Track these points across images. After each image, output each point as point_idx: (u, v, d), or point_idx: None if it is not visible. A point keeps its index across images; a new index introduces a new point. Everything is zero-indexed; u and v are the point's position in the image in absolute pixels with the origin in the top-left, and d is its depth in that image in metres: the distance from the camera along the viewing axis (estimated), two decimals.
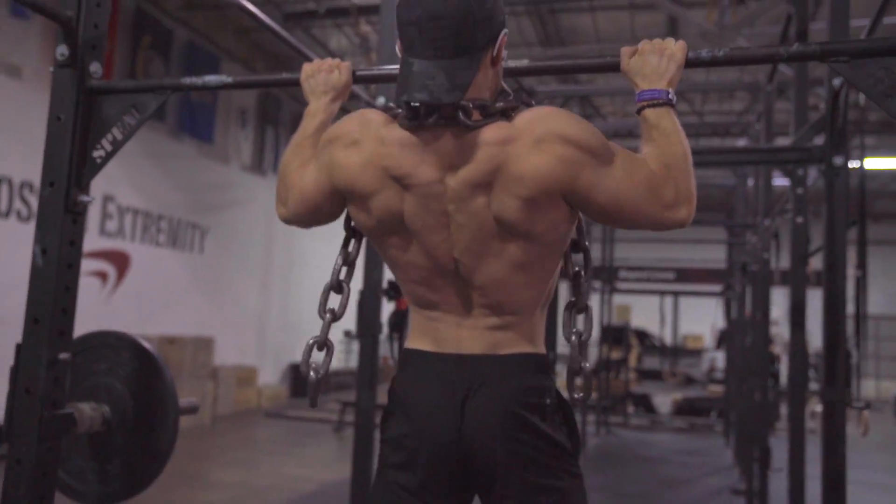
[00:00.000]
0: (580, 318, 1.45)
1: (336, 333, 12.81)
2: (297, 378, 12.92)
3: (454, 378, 1.35)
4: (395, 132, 1.30)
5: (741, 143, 11.24)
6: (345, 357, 15.06)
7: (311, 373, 1.51)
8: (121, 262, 9.01)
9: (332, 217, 1.45)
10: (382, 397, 5.44)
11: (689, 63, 1.28)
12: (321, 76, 1.50)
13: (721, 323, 12.08)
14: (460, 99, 1.22)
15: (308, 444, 8.73)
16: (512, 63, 1.36)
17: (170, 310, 9.69)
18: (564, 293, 1.65)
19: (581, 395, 1.41)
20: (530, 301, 1.37)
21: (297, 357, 13.11)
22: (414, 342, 1.42)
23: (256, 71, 11.53)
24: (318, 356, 1.52)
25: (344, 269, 1.53)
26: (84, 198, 1.57)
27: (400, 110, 1.30)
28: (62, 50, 1.55)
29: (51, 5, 1.52)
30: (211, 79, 1.56)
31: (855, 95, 2.63)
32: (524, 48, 10.05)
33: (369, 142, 1.32)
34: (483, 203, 1.27)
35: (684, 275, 16.17)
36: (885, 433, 11.68)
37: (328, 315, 1.52)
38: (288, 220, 1.49)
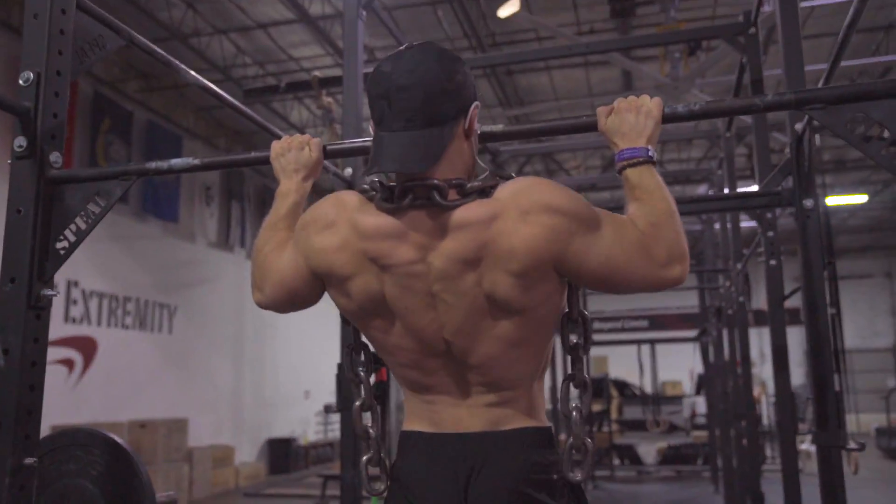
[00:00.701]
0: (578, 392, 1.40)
1: (315, 406, 12.65)
2: (274, 453, 12.59)
3: (456, 457, 1.29)
4: (371, 215, 1.27)
5: (702, 189, 11.46)
6: (324, 429, 14.75)
7: (370, 430, 1.43)
8: (87, 347, 8.78)
9: (308, 303, 1.39)
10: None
11: (666, 118, 1.27)
12: (291, 154, 1.46)
13: (699, 368, 12.08)
14: (432, 166, 1.20)
15: None
16: (486, 128, 1.34)
17: (140, 393, 9.42)
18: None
19: (580, 475, 1.33)
20: (527, 374, 1.32)
21: (274, 432, 12.83)
22: (412, 425, 1.36)
23: (219, 147, 11.54)
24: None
25: (352, 357, 1.48)
26: (48, 292, 1.50)
27: (374, 192, 1.27)
28: (20, 142, 1.50)
29: (7, 97, 1.47)
30: (177, 162, 1.52)
31: (815, 137, 2.67)
32: (484, 109, 10.22)
33: (344, 225, 1.28)
34: (473, 281, 1.23)
35: (658, 322, 16.26)
36: (871, 468, 11.64)
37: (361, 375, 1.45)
38: (264, 306, 1.43)
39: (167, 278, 10.36)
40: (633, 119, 1.25)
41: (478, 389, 1.31)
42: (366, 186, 1.30)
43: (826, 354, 2.50)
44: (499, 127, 1.31)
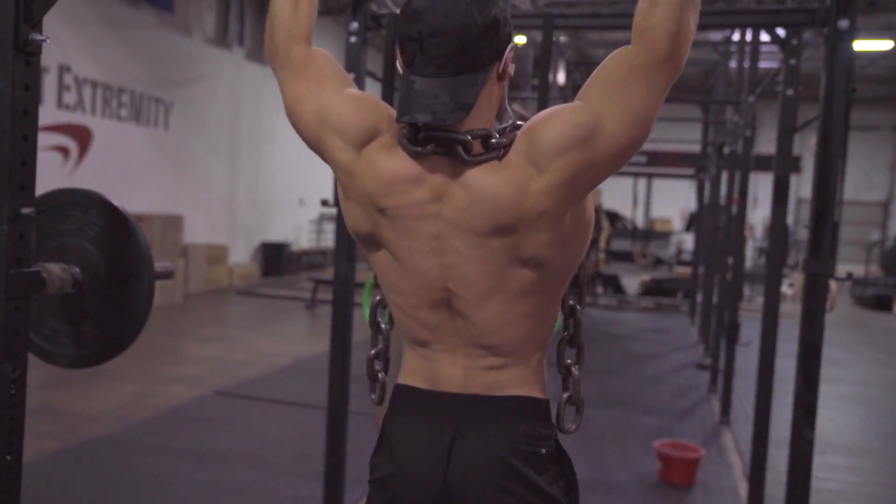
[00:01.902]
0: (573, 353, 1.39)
1: (309, 214, 12.84)
2: (268, 257, 12.92)
3: (445, 417, 1.25)
4: (391, 157, 1.21)
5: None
6: (317, 237, 15.03)
7: (379, 374, 1.45)
8: (82, 136, 8.69)
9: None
10: (361, 274, 5.39)
11: None
12: None
13: (692, 206, 12.18)
14: (464, 118, 1.13)
15: (281, 320, 8.81)
16: None
17: (136, 187, 9.46)
18: None
19: (574, 427, 1.34)
20: (531, 340, 1.27)
21: (268, 236, 13.09)
22: (406, 378, 1.32)
23: None
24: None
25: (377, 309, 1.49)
26: (37, 36, 1.40)
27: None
28: None
29: None
30: None
31: None
32: None
33: (363, 154, 1.24)
34: (499, 244, 1.18)
35: (656, 158, 16.18)
36: (841, 313, 12.13)
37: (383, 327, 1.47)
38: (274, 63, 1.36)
39: (163, 72, 10.07)
40: None
41: (478, 351, 1.25)
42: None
43: (832, 184, 2.48)
44: None
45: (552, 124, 1.15)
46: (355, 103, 1.27)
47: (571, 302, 1.37)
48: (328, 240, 14.70)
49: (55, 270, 1.53)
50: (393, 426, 1.31)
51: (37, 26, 1.42)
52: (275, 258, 12.92)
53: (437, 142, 1.16)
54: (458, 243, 1.20)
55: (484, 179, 1.16)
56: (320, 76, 1.31)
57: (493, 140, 1.17)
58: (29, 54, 1.41)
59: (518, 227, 1.16)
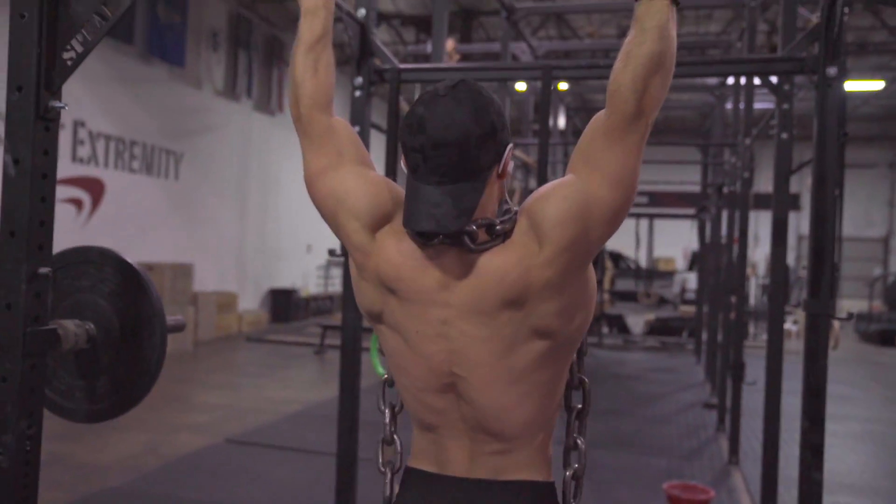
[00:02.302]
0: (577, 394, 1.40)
1: (316, 260, 12.86)
2: (276, 303, 12.94)
3: (451, 502, 1.27)
4: (401, 244, 1.26)
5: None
6: (324, 283, 15.07)
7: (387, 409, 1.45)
8: (95, 188, 8.80)
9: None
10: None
11: None
12: None
13: (694, 245, 12.18)
14: (466, 224, 1.17)
15: (290, 366, 8.79)
16: None
17: (147, 237, 9.54)
18: None
19: (574, 471, 1.35)
20: (536, 423, 1.28)
21: (277, 283, 13.13)
22: (415, 461, 1.34)
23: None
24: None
25: (384, 390, 1.49)
26: (56, 104, 1.44)
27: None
28: None
29: None
30: None
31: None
32: None
33: (377, 239, 1.28)
34: (510, 317, 1.20)
35: (658, 198, 16.27)
36: (846, 349, 12.03)
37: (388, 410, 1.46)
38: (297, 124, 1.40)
39: (174, 124, 10.23)
40: None
41: (484, 437, 1.27)
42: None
43: (829, 225, 2.49)
44: None
45: (548, 202, 1.19)
46: (370, 188, 1.30)
47: (580, 376, 1.38)
48: (335, 285, 14.74)
49: (70, 327, 1.55)
50: None
51: (56, 94, 1.46)
52: (283, 304, 12.94)
53: (444, 235, 1.20)
54: (466, 326, 1.22)
55: (490, 262, 1.20)
56: (340, 151, 1.35)
57: (497, 227, 1.21)
58: (48, 120, 1.46)
59: (526, 301, 1.19)
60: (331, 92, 1.41)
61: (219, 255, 11.36)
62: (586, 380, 1.39)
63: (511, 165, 1.26)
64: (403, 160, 1.24)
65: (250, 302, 12.37)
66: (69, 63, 1.45)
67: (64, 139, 8.18)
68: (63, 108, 1.47)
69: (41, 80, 1.43)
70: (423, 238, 1.22)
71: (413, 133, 1.18)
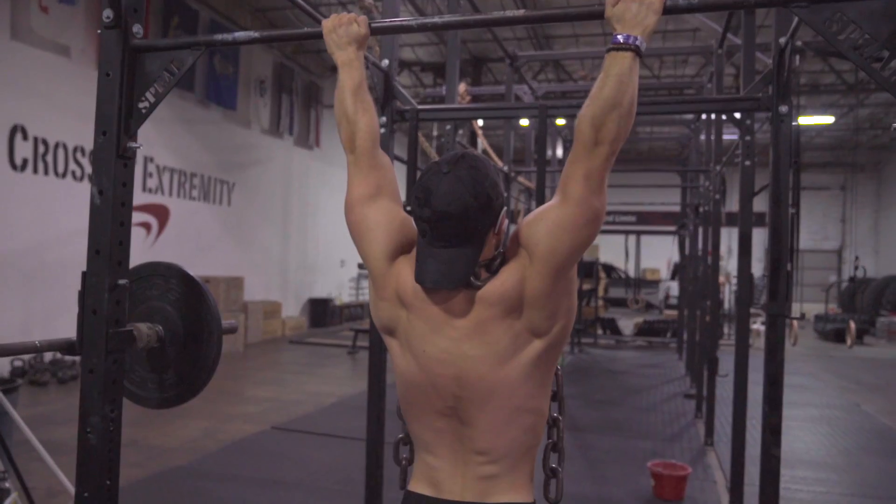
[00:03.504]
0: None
1: (349, 273, 12.87)
2: (315, 310, 13.01)
3: None
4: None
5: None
6: (356, 293, 15.12)
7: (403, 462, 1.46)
8: (161, 214, 8.94)
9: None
10: None
11: (667, 10, 1.22)
12: (342, 29, 1.42)
13: (675, 257, 12.13)
14: (466, 282, 1.22)
15: (327, 365, 8.83)
16: (509, 13, 1.30)
17: (204, 254, 9.67)
18: None
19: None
20: (521, 446, 1.28)
21: (315, 293, 13.21)
22: (415, 483, 1.34)
23: (272, 47, 11.25)
24: None
25: (399, 447, 1.50)
26: (133, 144, 1.52)
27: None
28: (108, 13, 1.48)
29: None
30: (240, 35, 1.50)
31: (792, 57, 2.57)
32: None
33: (395, 265, 1.31)
34: (507, 326, 1.24)
35: (644, 217, 16.25)
36: (807, 346, 11.91)
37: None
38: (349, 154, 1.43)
39: (226, 158, 10.39)
40: (635, 8, 1.20)
41: (476, 458, 1.27)
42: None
43: (783, 239, 2.52)
44: (520, 12, 1.27)
45: (537, 222, 1.23)
46: (394, 225, 1.34)
47: (555, 415, 1.40)
48: (365, 295, 14.80)
49: (143, 329, 1.61)
50: None
51: (133, 136, 1.54)
52: (321, 311, 13.00)
53: None
54: (468, 347, 1.24)
55: (492, 287, 1.23)
56: (380, 186, 1.39)
57: (495, 263, 1.25)
58: (126, 158, 1.53)
59: (521, 307, 1.22)
60: (378, 128, 1.44)
61: (265, 269, 11.47)
62: (561, 419, 1.42)
63: (506, 223, 1.28)
64: (416, 224, 1.26)
65: (292, 310, 12.45)
66: (143, 111, 1.53)
67: (136, 172, 8.28)
68: (138, 147, 1.55)
69: (121, 125, 1.50)
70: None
71: (421, 206, 1.21)
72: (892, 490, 4.26)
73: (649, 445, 4.96)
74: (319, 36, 1.42)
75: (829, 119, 14.11)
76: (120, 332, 1.50)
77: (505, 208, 1.27)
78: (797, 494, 3.99)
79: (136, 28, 1.51)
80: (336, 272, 14.16)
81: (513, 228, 1.30)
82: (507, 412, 1.24)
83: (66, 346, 1.52)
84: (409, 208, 1.30)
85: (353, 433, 4.87)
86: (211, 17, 9.71)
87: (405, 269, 1.29)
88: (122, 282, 1.52)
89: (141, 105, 1.53)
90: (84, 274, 1.48)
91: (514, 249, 1.25)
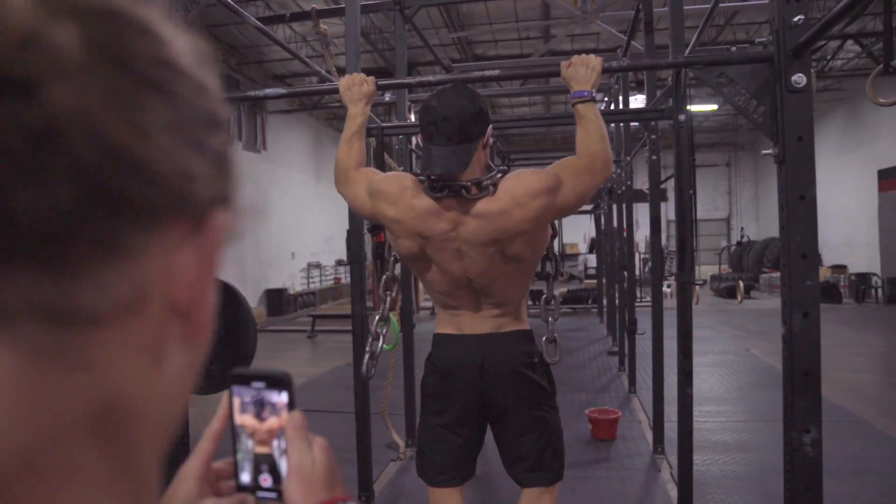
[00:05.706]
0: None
1: (299, 264, 12.78)
2: (271, 300, 12.97)
3: (474, 349, 1.59)
4: (422, 199, 1.51)
5: (598, 96, 11.60)
6: (307, 282, 15.11)
7: (364, 369, 1.76)
8: None
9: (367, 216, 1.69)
10: (345, 307, 5.46)
11: (605, 70, 1.54)
12: (356, 88, 1.66)
13: (592, 233, 12.72)
14: (464, 171, 1.44)
15: (289, 349, 8.89)
16: (488, 72, 1.58)
17: None
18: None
19: (556, 358, 1.72)
20: (519, 297, 1.63)
21: (271, 284, 13.14)
22: (442, 328, 1.64)
23: (217, 59, 11.05)
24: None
25: (385, 277, 1.77)
26: None
27: (423, 180, 1.50)
28: None
29: None
30: (270, 91, 1.71)
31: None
32: (433, 30, 10.03)
33: (403, 205, 1.53)
34: (493, 249, 1.51)
35: None
36: (705, 303, 12.78)
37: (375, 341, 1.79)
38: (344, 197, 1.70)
39: None
40: (583, 70, 1.52)
41: (487, 307, 1.59)
42: (419, 174, 1.53)
43: (687, 222, 2.90)
44: (495, 71, 1.55)
45: (527, 178, 1.51)
46: (389, 178, 1.61)
47: (549, 272, 1.77)
48: (315, 283, 14.83)
49: None
50: (441, 359, 1.63)
51: None
52: (277, 301, 12.97)
53: (450, 188, 1.50)
54: (471, 252, 1.53)
55: (485, 209, 1.51)
56: (366, 175, 1.66)
57: (485, 183, 1.51)
58: None
59: (503, 240, 1.52)
60: (363, 157, 1.70)
61: (224, 265, 11.34)
62: (552, 274, 1.78)
63: (491, 140, 1.55)
64: (421, 135, 1.51)
65: (251, 301, 12.36)
66: None
67: None
68: None
69: None
70: (434, 189, 1.50)
71: (429, 112, 1.47)
72: (775, 414, 4.81)
73: (583, 397, 5.32)
74: (336, 92, 1.66)
75: (713, 106, 15.03)
76: None
77: (491, 126, 1.53)
78: (705, 425, 4.48)
79: None
80: (288, 264, 14.11)
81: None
82: (507, 280, 1.57)
83: None
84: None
85: (329, 408, 5.06)
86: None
87: (411, 203, 1.53)
88: None
89: None
90: None
91: (504, 189, 1.51)
